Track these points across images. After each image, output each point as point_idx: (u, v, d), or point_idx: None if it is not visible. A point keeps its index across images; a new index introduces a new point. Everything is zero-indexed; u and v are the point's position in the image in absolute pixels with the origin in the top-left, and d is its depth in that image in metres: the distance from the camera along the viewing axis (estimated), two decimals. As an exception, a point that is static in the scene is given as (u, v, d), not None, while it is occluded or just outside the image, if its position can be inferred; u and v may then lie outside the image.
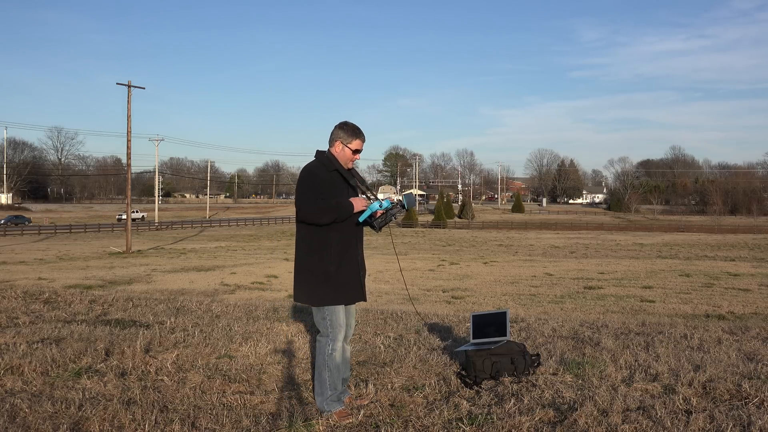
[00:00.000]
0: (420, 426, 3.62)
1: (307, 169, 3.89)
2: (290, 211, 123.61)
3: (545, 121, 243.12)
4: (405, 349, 5.37)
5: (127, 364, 4.81)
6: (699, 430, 3.47)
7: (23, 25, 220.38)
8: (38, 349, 5.17)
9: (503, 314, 4.68)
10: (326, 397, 3.85)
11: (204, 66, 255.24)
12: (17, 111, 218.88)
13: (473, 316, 4.82)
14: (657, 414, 3.66)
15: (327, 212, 3.76)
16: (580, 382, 4.39)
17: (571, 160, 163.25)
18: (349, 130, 3.93)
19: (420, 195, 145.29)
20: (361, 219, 3.85)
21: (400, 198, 4.00)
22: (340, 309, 3.89)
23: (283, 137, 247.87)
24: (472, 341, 4.78)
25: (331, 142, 3.96)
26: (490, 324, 4.69)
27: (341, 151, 3.93)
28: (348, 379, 4.14)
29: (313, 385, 3.97)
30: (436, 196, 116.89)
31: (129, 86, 41.42)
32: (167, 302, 8.45)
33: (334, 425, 3.66)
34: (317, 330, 3.97)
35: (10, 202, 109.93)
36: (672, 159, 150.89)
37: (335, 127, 3.97)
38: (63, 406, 3.81)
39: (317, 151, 4.01)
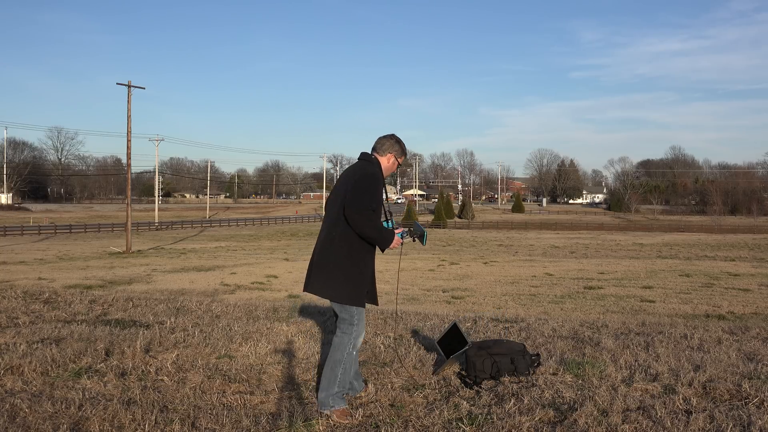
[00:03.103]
0: (420, 426, 3.62)
1: (375, 174, 3.90)
2: (290, 210, 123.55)
3: (545, 121, 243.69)
4: (405, 349, 5.37)
5: (127, 364, 4.80)
6: (699, 430, 3.47)
7: (23, 25, 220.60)
8: (38, 349, 5.16)
9: (455, 326, 4.68)
10: (332, 393, 3.85)
11: (204, 66, 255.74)
12: (17, 111, 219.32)
13: (438, 342, 4.78)
14: (657, 414, 3.66)
15: (377, 233, 3.81)
16: (580, 382, 4.39)
17: (571, 160, 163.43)
18: (403, 146, 4.09)
19: (420, 195, 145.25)
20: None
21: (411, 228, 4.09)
22: (364, 311, 3.97)
23: (283, 137, 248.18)
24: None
25: (382, 151, 4.05)
26: (452, 340, 4.66)
27: (391, 164, 4.05)
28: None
29: (319, 380, 3.94)
30: (436, 196, 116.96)
31: (129, 86, 41.41)
32: (167, 302, 8.45)
33: (334, 425, 3.66)
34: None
35: (10, 202, 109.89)
36: (672, 159, 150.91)
37: (389, 138, 4.08)
38: (63, 406, 3.81)
39: (367, 154, 4.05)
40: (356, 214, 3.75)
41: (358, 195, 3.78)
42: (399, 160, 4.08)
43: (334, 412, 3.78)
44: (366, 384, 4.32)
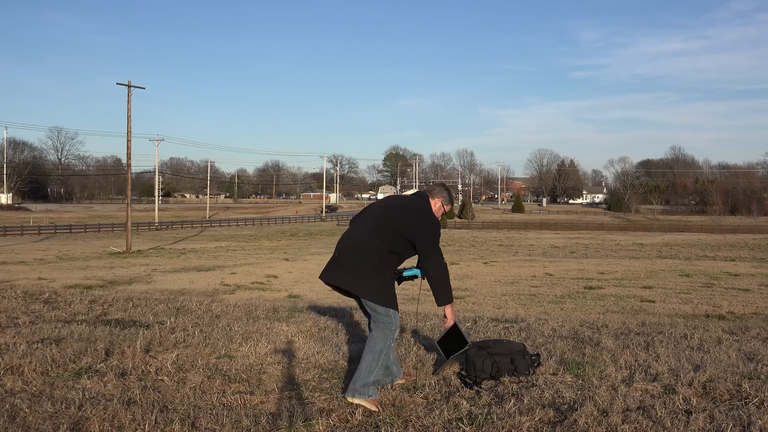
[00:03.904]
0: (420, 426, 3.62)
1: (438, 222, 4.25)
2: (290, 210, 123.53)
3: (545, 121, 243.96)
4: (405, 349, 5.37)
5: (127, 364, 4.80)
6: (699, 430, 3.47)
7: (23, 25, 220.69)
8: (38, 349, 5.16)
9: (455, 326, 4.70)
10: (370, 381, 3.99)
11: (204, 66, 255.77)
12: (17, 111, 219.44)
13: (438, 342, 4.79)
14: (657, 414, 3.66)
15: (448, 282, 4.15)
16: (580, 382, 4.39)
17: (571, 160, 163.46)
18: (450, 195, 4.43)
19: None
20: (407, 273, 4.34)
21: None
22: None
23: (283, 137, 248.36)
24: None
25: (432, 195, 4.35)
26: (452, 340, 4.66)
27: (437, 208, 4.34)
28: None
29: (358, 370, 4.06)
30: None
31: (129, 86, 41.42)
32: (167, 302, 8.45)
33: (334, 425, 3.67)
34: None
35: (10, 202, 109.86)
36: (672, 159, 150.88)
37: (439, 185, 4.46)
38: (63, 406, 3.81)
39: (424, 193, 4.33)
40: (437, 262, 4.12)
41: (435, 240, 4.14)
42: (445, 207, 4.37)
43: (370, 402, 3.91)
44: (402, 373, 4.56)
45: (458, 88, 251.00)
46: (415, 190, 4.47)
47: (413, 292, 18.56)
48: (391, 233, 4.09)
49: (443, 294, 4.14)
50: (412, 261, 4.41)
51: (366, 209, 4.45)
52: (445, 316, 4.30)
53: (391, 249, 4.10)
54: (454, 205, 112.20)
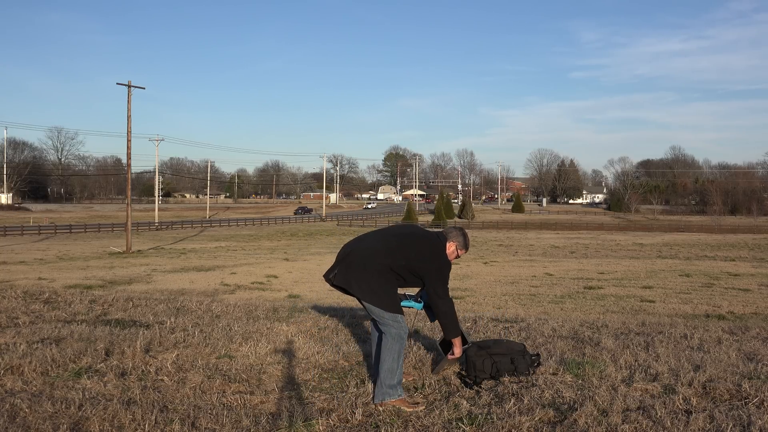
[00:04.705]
0: (420, 426, 3.62)
1: (450, 264, 4.35)
2: (290, 210, 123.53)
3: (545, 121, 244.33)
4: (405, 349, 5.36)
5: (127, 364, 4.80)
6: (699, 430, 3.47)
7: (23, 25, 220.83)
8: (38, 349, 5.16)
9: None
10: (394, 383, 4.03)
11: (204, 66, 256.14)
12: (17, 111, 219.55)
13: (440, 343, 4.81)
14: (657, 414, 3.66)
15: (456, 323, 4.35)
16: (580, 382, 4.39)
17: (571, 160, 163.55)
18: (466, 241, 4.51)
19: (420, 195, 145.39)
20: (404, 303, 4.45)
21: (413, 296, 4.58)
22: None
23: (283, 137, 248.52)
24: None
25: (449, 238, 4.43)
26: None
27: (451, 251, 4.43)
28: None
29: (380, 375, 4.09)
30: (436, 196, 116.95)
31: (129, 86, 41.42)
32: (167, 302, 8.44)
33: (334, 425, 3.67)
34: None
35: (10, 202, 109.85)
36: (672, 159, 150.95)
37: (456, 228, 4.52)
38: (63, 406, 3.81)
39: (443, 235, 4.42)
40: (444, 299, 4.26)
41: (444, 280, 4.28)
42: (460, 251, 4.44)
43: (400, 401, 3.95)
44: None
45: (458, 88, 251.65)
46: (439, 231, 4.57)
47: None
48: (404, 260, 4.18)
49: (451, 328, 4.32)
50: (413, 290, 4.51)
51: (387, 228, 4.55)
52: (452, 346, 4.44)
53: (398, 272, 4.18)
54: (454, 205, 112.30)
